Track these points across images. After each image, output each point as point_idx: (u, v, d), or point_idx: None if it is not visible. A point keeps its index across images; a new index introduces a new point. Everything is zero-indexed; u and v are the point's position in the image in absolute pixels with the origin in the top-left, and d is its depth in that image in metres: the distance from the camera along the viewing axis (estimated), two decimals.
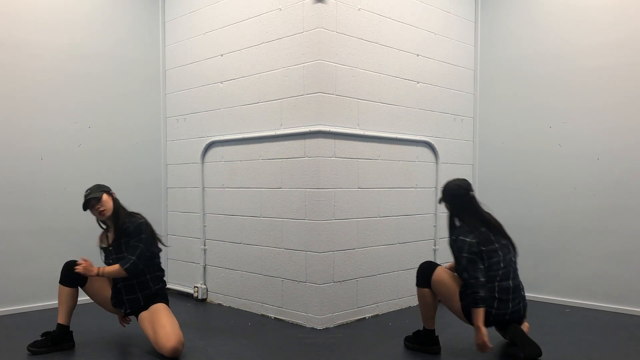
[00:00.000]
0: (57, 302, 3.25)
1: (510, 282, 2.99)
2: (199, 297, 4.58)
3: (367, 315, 4.03)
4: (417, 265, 3.22)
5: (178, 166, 4.92)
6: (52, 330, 3.23)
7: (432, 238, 4.58)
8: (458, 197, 3.12)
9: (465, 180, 3.22)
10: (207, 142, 4.57)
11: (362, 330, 3.71)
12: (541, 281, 4.58)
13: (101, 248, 3.33)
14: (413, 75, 4.39)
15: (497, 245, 3.02)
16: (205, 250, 4.63)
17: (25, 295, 4.20)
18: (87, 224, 4.48)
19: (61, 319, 3.21)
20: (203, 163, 4.64)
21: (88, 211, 3.22)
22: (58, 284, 3.24)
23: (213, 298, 4.57)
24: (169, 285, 4.98)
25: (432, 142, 4.53)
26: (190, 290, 4.70)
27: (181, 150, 4.88)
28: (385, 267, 4.18)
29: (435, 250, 4.58)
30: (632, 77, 4.13)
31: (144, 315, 3.19)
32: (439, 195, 3.24)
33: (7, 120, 4.14)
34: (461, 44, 4.87)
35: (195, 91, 4.71)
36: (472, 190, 3.15)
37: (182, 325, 3.81)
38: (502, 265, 2.98)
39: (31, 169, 4.24)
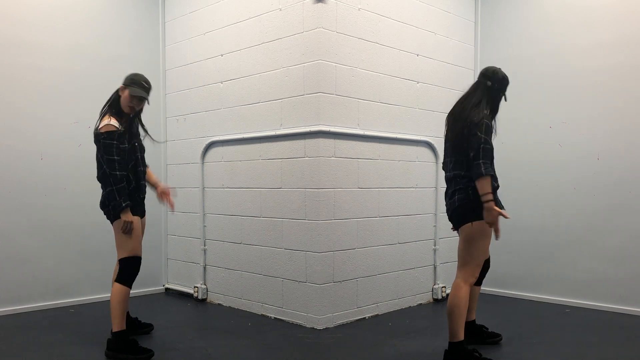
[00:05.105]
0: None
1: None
2: (199, 297, 4.58)
3: (367, 315, 4.03)
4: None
5: (178, 166, 4.92)
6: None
7: (432, 238, 4.58)
8: (504, 86, 3.05)
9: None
10: (207, 142, 4.57)
11: (362, 330, 3.71)
12: (541, 281, 4.58)
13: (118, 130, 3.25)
14: (413, 75, 4.39)
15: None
16: (205, 250, 4.63)
17: (25, 295, 4.19)
18: (86, 224, 4.51)
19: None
20: (203, 163, 4.64)
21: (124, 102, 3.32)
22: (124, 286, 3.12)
23: (213, 298, 4.57)
24: (169, 285, 4.99)
25: (432, 142, 4.53)
26: (190, 290, 4.70)
27: (181, 150, 4.87)
28: (385, 267, 4.18)
29: (435, 250, 4.58)
30: (631, 77, 4.13)
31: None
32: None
33: (7, 120, 4.14)
34: (461, 44, 4.88)
35: (195, 91, 4.71)
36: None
37: (182, 325, 3.82)
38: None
39: (31, 169, 4.24)
